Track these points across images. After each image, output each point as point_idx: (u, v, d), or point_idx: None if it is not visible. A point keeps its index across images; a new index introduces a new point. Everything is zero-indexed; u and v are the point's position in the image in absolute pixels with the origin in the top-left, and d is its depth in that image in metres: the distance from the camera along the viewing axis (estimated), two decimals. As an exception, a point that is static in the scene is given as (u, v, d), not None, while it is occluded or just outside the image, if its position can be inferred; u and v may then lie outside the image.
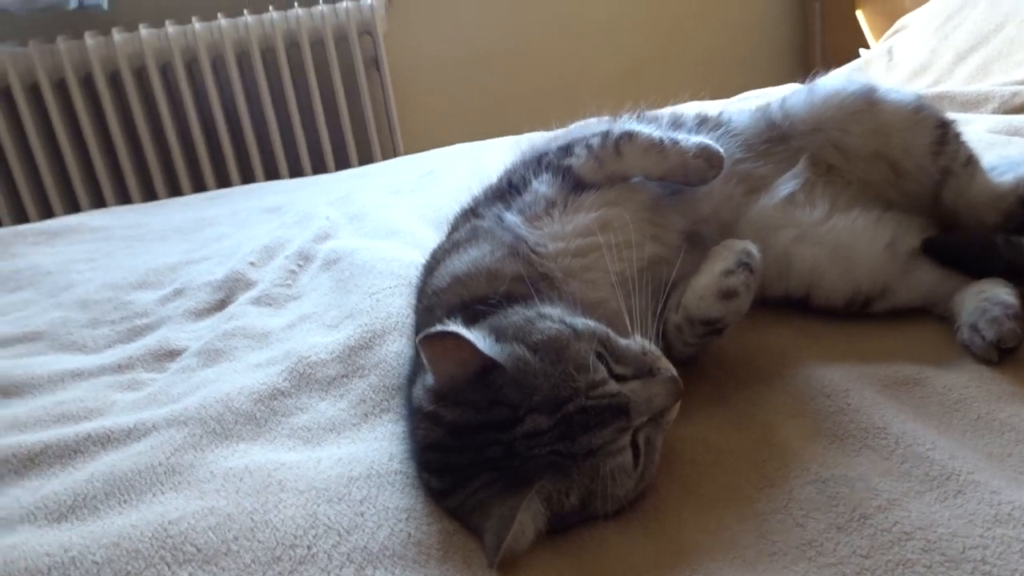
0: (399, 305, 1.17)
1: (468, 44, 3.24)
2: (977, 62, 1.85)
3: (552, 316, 0.79)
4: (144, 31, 2.80)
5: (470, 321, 0.79)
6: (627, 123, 1.01)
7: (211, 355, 1.16)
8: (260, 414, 0.98)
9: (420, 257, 1.34)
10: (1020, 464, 0.73)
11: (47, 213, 2.83)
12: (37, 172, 2.87)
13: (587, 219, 0.93)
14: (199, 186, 2.98)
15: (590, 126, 1.21)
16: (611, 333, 0.78)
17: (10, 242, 1.76)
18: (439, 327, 0.75)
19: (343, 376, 1.05)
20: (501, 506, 0.70)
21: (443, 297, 0.90)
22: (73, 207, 2.89)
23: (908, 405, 0.84)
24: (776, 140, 1.13)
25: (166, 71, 2.90)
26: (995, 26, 1.88)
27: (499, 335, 0.77)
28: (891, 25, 2.40)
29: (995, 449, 0.76)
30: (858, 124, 1.10)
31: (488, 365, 0.73)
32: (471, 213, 1.06)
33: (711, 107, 2.21)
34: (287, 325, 1.23)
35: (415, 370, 0.89)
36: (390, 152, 3.13)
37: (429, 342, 0.74)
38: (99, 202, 2.91)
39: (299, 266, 1.45)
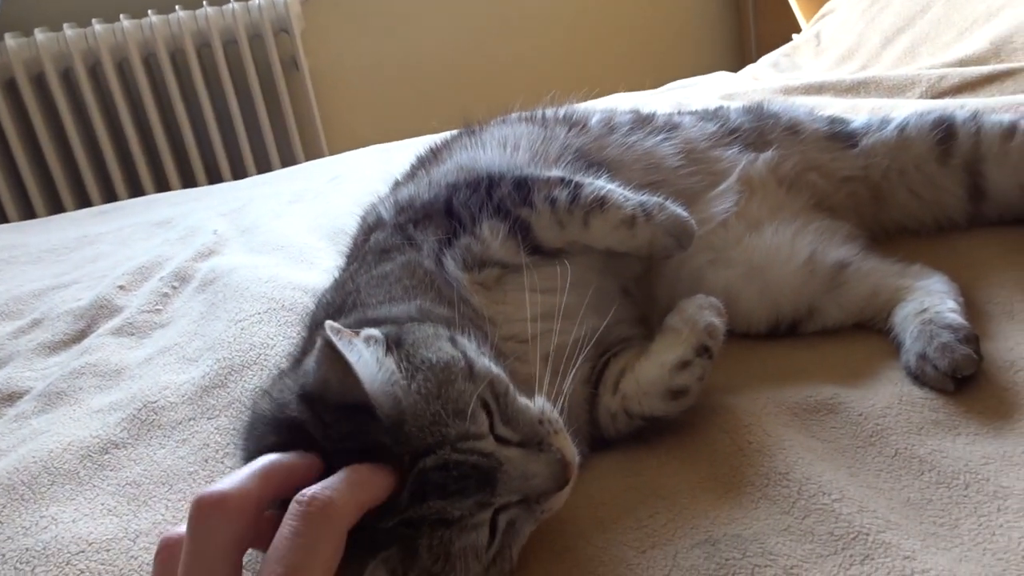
0: (264, 335, 1.04)
1: (391, 40, 3.10)
2: (905, 44, 1.75)
3: (458, 343, 0.65)
4: (41, 35, 2.62)
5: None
6: (598, 183, 0.85)
7: (51, 399, 1.02)
8: (84, 471, 0.85)
9: (299, 274, 1.21)
10: (940, 514, 0.62)
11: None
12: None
13: (541, 305, 0.79)
14: (110, 197, 2.80)
15: (511, 122, 1.09)
16: (511, 387, 0.64)
17: None
18: (339, 331, 0.59)
19: (190, 419, 0.92)
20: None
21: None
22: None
23: (818, 439, 0.73)
24: (731, 144, 1.03)
25: (68, 76, 2.71)
26: (921, 7, 1.78)
27: (398, 344, 0.62)
28: (822, 8, 2.31)
29: (913, 494, 0.65)
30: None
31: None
32: (399, 230, 0.87)
33: (643, 99, 2.10)
34: (145, 359, 1.09)
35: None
36: (315, 156, 2.98)
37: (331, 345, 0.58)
38: (1, 218, 2.72)
39: (173, 288, 1.31)
